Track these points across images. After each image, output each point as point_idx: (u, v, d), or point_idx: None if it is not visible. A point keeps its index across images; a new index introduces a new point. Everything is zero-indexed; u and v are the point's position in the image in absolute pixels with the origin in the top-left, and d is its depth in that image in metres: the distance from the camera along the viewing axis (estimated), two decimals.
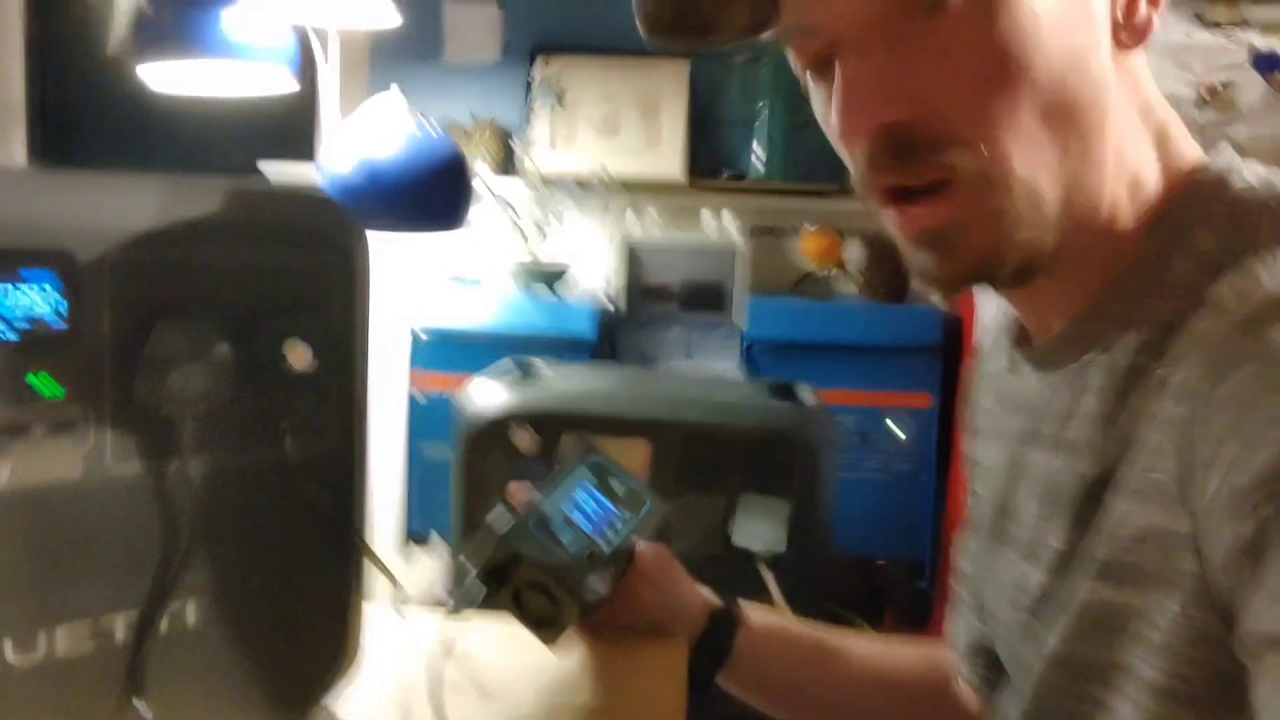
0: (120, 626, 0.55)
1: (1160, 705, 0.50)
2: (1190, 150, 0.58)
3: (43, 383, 0.49)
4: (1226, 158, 0.56)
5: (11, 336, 0.48)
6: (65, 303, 0.50)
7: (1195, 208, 0.54)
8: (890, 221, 0.56)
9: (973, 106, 0.51)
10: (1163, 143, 0.57)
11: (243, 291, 0.56)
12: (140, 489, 0.54)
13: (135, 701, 0.55)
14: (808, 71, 0.57)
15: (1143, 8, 0.54)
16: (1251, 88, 1.16)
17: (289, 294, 0.58)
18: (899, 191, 0.54)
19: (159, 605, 0.56)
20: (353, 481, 0.63)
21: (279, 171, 2.24)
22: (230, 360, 0.55)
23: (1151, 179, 0.56)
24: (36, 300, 0.49)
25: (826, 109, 0.56)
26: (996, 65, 0.50)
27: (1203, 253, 0.53)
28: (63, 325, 0.50)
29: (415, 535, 2.09)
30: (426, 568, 2.30)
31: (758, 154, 2.40)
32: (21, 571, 0.51)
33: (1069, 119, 0.52)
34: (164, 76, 1.49)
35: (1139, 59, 0.56)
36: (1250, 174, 0.55)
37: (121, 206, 0.52)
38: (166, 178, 0.53)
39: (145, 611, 0.55)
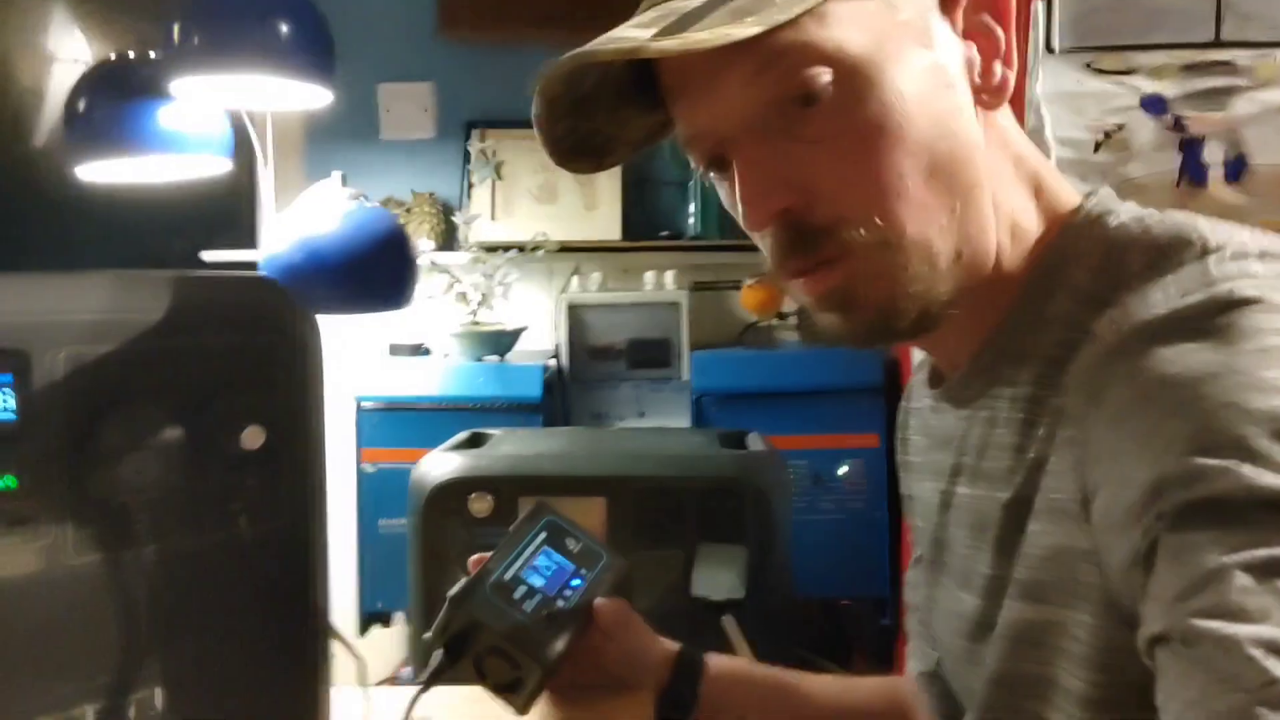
0: (90, 718, 0.55)
1: (1088, 713, 0.53)
2: (1066, 194, 0.62)
3: (3, 481, 0.50)
4: (1101, 199, 0.61)
5: None
6: (22, 400, 0.51)
7: (1071, 247, 0.59)
8: (798, 293, 0.60)
9: (858, 184, 0.55)
10: (1038, 190, 0.61)
11: (194, 378, 0.58)
12: (100, 579, 0.55)
13: None
14: (709, 171, 0.61)
15: (998, 70, 0.59)
16: (1143, 129, 1.24)
17: (239, 377, 0.59)
18: (803, 266, 0.58)
19: (126, 695, 0.56)
20: (312, 560, 0.64)
21: (221, 259, 2.24)
22: (184, 445, 0.56)
23: (1031, 224, 0.61)
24: None
25: (732, 201, 0.61)
26: (872, 144, 0.55)
27: (1080, 288, 0.57)
28: (21, 423, 0.51)
29: (372, 613, 2.06)
30: (386, 646, 2.26)
31: (693, 213, 2.46)
32: None
33: (948, 179, 0.56)
34: (97, 168, 1.50)
35: (1005, 116, 0.61)
36: (1123, 212, 0.59)
37: (73, 303, 0.53)
38: (115, 274, 0.55)
39: (112, 702, 0.56)
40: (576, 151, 0.63)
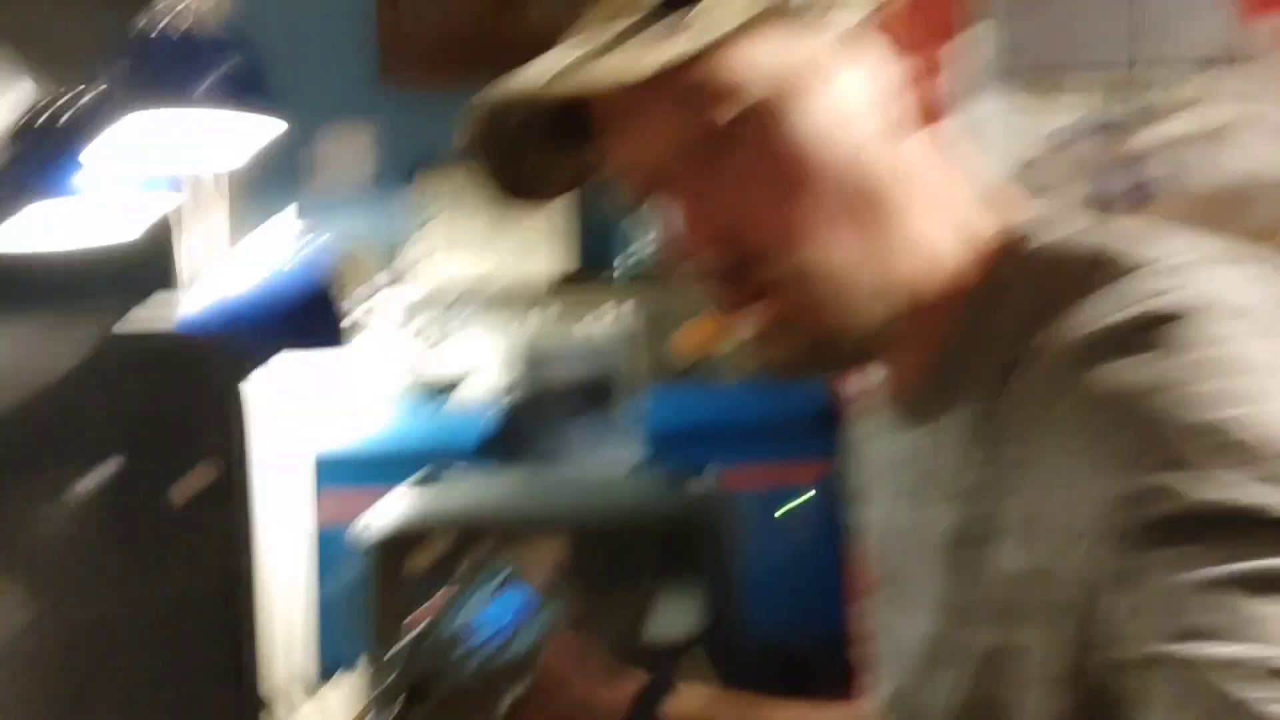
0: None
1: None
2: (994, 214, 0.63)
3: None
4: (1033, 216, 0.61)
5: None
6: None
7: (1008, 266, 0.59)
8: (735, 326, 0.60)
9: (773, 220, 0.56)
10: (964, 213, 0.62)
11: (119, 434, 0.56)
12: (22, 652, 0.52)
13: None
14: (641, 204, 0.62)
15: (924, 91, 0.60)
16: (1069, 154, 1.28)
17: (163, 435, 0.58)
18: (736, 299, 0.58)
19: None
20: (242, 618, 0.62)
21: (144, 309, 2.19)
22: (105, 503, 0.54)
23: (962, 247, 0.61)
24: None
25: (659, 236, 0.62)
26: (782, 181, 0.56)
27: (1017, 307, 0.57)
28: None
29: (331, 666, 2.01)
30: (342, 702, 2.20)
31: (645, 246, 2.46)
32: None
33: (863, 210, 0.57)
34: (15, 233, 1.45)
35: (928, 140, 0.61)
36: (1053, 231, 0.60)
37: None
38: (38, 322, 0.53)
39: None
40: (510, 190, 0.63)
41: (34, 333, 0.54)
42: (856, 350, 0.59)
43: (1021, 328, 0.56)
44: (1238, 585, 0.40)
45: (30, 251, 1.49)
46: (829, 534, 2.07)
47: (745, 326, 0.59)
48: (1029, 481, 0.52)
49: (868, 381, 0.77)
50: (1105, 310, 0.51)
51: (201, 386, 0.59)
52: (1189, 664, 0.40)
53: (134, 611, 0.56)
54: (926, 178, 0.61)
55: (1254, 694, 0.38)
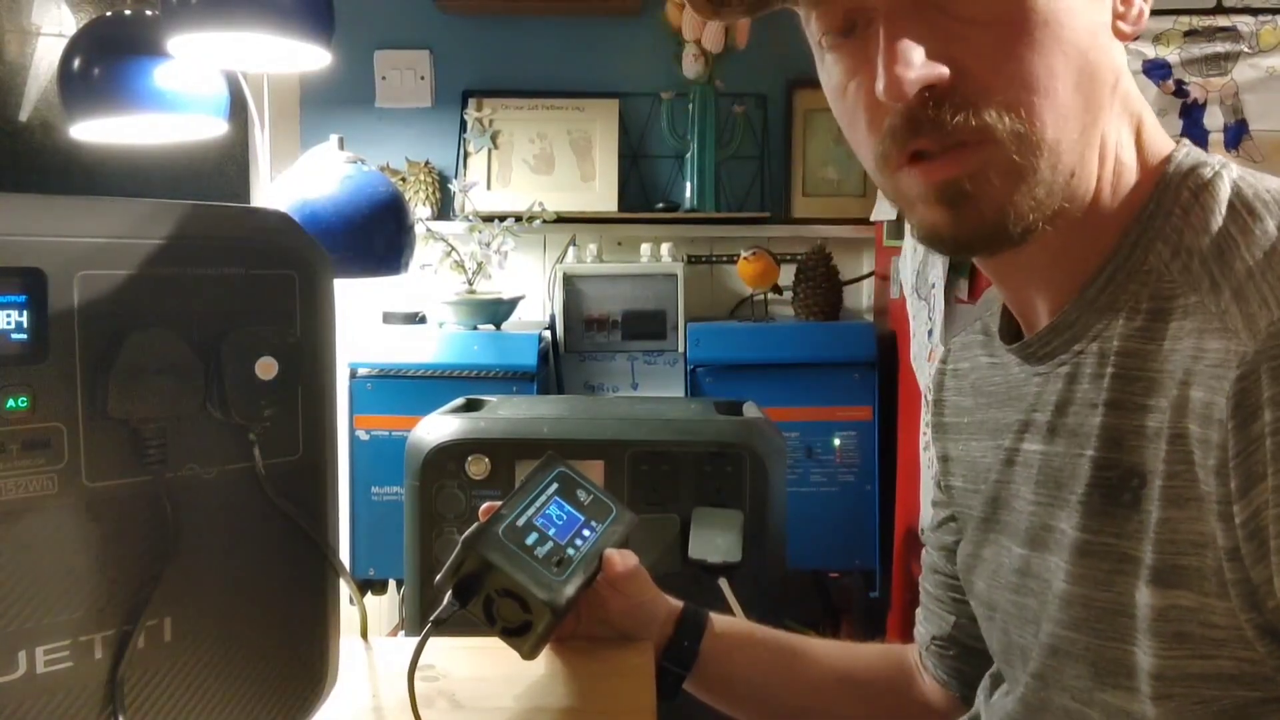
0: (99, 644, 0.55)
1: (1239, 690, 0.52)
2: (1161, 141, 0.61)
3: (16, 401, 0.50)
4: (1192, 150, 0.60)
5: None
6: (37, 321, 0.51)
7: (1170, 197, 0.58)
8: (908, 182, 0.57)
9: (1009, 71, 0.53)
10: (1139, 132, 0.61)
11: (209, 306, 0.58)
12: (115, 504, 0.55)
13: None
14: (826, 40, 0.58)
15: (1138, 2, 0.58)
16: (1145, 94, 1.25)
17: (254, 307, 0.59)
18: (920, 153, 0.55)
19: (135, 623, 0.56)
20: (322, 492, 0.64)
21: None
22: (199, 372, 0.56)
23: (1130, 165, 0.60)
24: (8, 319, 0.50)
25: (844, 77, 0.58)
26: (1030, 36, 0.53)
27: (1177, 241, 0.56)
28: (35, 343, 0.51)
29: (364, 580, 2.07)
30: (379, 612, 2.27)
31: (689, 186, 2.46)
32: (1, 590, 0.51)
33: (1088, 93, 0.55)
34: (90, 128, 1.47)
35: (1123, 54, 0.59)
36: (1215, 164, 0.58)
37: (90, 226, 0.53)
38: (132, 200, 0.55)
39: (123, 628, 0.56)
40: None
41: (134, 207, 0.55)
42: (1021, 231, 0.56)
43: (1176, 263, 0.55)
44: None
45: (96, 169, 1.52)
46: (870, 475, 2.08)
47: (926, 180, 0.56)
48: (1221, 466, 0.49)
49: (964, 323, 0.76)
50: None
51: (293, 259, 0.60)
52: None
53: (226, 474, 0.58)
54: (1128, 85, 0.59)
55: None
